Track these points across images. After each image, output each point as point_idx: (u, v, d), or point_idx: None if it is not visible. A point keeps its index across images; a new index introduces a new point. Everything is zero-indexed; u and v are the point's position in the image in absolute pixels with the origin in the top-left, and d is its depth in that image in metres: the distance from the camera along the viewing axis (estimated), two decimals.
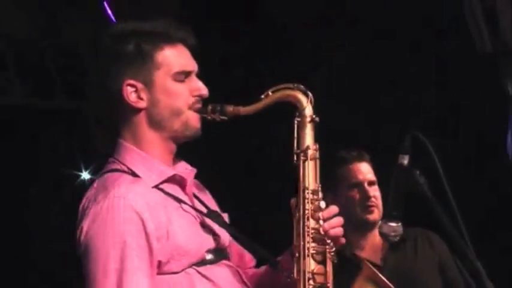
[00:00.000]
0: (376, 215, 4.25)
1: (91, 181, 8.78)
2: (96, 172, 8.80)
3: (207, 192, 2.99)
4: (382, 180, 4.33)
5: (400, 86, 7.19)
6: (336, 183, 4.29)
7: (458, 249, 3.34)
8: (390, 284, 2.87)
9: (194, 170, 2.89)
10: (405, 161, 3.43)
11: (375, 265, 3.72)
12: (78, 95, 8.73)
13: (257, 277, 2.98)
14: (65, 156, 8.47)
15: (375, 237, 4.21)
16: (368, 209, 4.23)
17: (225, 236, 2.86)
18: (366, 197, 4.26)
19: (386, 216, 3.69)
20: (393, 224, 3.65)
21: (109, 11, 7.36)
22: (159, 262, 2.67)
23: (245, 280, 2.85)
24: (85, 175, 8.74)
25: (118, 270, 2.60)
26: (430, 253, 4.29)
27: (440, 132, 6.49)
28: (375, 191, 4.28)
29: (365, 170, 4.31)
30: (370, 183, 4.28)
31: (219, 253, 2.81)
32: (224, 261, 2.81)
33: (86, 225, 2.66)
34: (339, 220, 2.79)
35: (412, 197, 3.45)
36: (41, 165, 8.03)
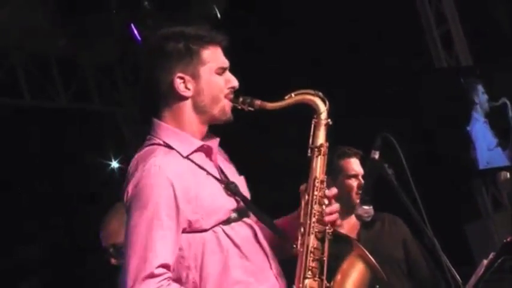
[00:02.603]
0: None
1: (119, 169, 8.77)
2: (123, 161, 8.89)
3: (227, 158, 2.98)
4: None
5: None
6: (336, 172, 4.27)
7: (418, 227, 3.35)
8: (376, 263, 2.85)
9: (217, 139, 2.89)
10: (376, 155, 3.46)
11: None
12: (111, 102, 8.81)
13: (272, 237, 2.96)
14: (98, 148, 8.50)
15: (351, 218, 4.21)
16: (359, 195, 4.22)
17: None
18: (361, 186, 4.24)
19: (361, 201, 3.72)
20: (366, 207, 3.70)
21: (135, 31, 7.33)
22: (189, 221, 2.67)
23: (259, 238, 2.82)
24: (114, 164, 8.80)
25: (148, 226, 2.61)
26: (394, 231, 4.28)
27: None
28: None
29: (359, 164, 4.30)
30: (362, 176, 4.29)
31: (241, 212, 2.79)
32: (245, 219, 2.81)
33: (130, 188, 2.68)
34: (336, 207, 2.82)
35: (382, 185, 3.47)
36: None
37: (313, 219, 2.77)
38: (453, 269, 3.28)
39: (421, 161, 5.24)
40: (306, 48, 7.41)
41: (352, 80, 7.30)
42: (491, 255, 3.79)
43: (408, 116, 7.03)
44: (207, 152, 2.81)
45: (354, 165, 4.24)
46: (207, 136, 2.86)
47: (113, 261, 3.65)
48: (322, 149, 2.84)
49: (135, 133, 8.86)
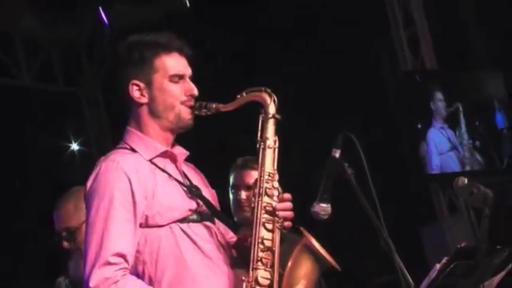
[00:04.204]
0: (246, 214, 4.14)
1: (79, 151, 8.70)
2: (84, 144, 8.80)
3: (199, 173, 3.10)
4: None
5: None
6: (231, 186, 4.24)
7: (375, 228, 3.34)
8: (326, 254, 2.87)
9: (187, 153, 3.02)
10: (337, 154, 3.46)
11: None
12: (73, 82, 8.74)
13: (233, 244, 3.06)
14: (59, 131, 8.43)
15: None
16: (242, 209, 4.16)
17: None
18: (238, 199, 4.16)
19: (319, 198, 3.69)
20: (324, 205, 3.65)
21: (102, 14, 7.29)
22: (146, 216, 2.79)
23: (220, 240, 2.93)
24: (74, 146, 8.73)
25: (105, 217, 2.74)
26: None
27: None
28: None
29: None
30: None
31: (202, 215, 2.90)
32: (206, 222, 2.91)
33: (89, 182, 2.83)
34: (289, 205, 2.92)
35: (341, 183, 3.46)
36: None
37: (262, 211, 2.85)
38: (406, 271, 3.29)
39: (380, 161, 5.26)
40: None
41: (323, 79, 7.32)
42: (444, 260, 3.81)
43: (377, 116, 7.07)
44: (172, 158, 2.93)
45: (247, 177, 4.14)
46: (175, 146, 2.98)
47: (65, 244, 3.61)
48: (270, 143, 2.92)
49: (97, 115, 8.82)
